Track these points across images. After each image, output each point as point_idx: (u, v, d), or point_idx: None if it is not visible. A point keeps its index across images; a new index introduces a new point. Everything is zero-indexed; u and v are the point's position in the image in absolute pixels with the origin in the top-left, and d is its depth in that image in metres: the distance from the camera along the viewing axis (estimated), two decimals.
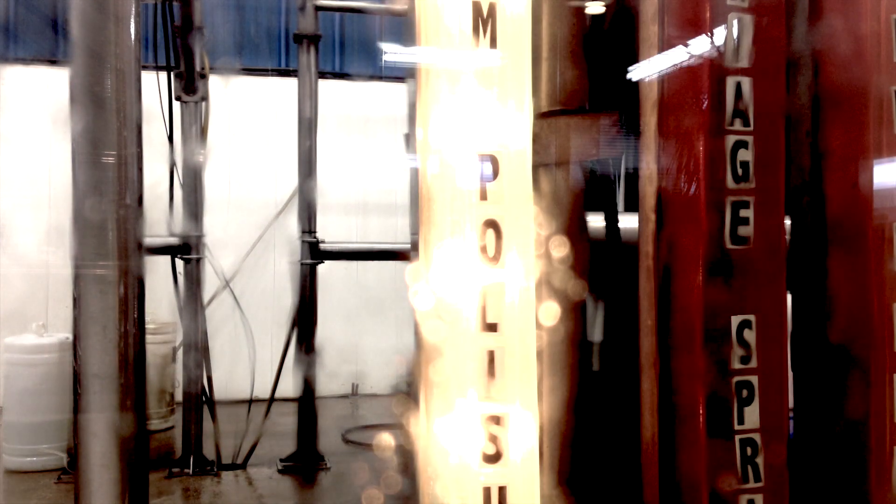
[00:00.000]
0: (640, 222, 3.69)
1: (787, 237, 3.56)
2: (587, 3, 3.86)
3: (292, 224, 8.44)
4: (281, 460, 7.61)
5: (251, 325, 8.62)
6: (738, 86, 3.34)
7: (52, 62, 9.87)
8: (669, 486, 3.44)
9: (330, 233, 8.26)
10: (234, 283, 9.28)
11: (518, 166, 3.16)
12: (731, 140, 3.33)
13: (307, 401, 7.78)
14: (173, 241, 7.44)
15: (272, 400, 7.69)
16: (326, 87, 9.48)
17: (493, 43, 3.14)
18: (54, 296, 9.69)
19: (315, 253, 7.81)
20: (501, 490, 3.09)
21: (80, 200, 3.35)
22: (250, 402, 7.99)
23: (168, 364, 9.03)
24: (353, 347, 10.53)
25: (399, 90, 10.03)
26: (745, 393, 3.31)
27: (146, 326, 3.64)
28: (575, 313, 3.72)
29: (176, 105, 7.51)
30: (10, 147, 9.70)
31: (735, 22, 3.34)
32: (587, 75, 3.76)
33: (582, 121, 3.68)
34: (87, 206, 3.32)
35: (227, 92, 9.25)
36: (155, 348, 8.36)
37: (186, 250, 7.40)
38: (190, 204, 7.44)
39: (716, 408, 3.31)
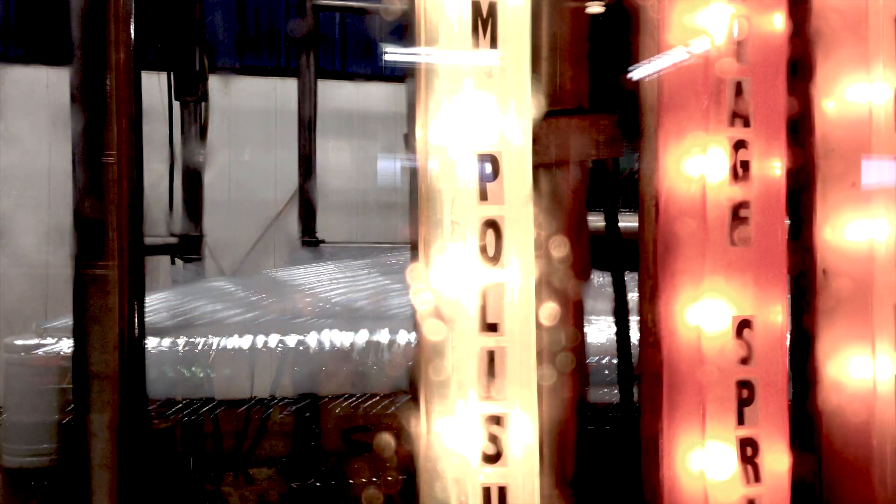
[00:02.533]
0: (640, 223, 3.69)
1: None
2: (587, 3, 3.86)
3: (293, 224, 8.43)
4: (280, 460, 7.62)
5: None
6: (738, 86, 3.33)
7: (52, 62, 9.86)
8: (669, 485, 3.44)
9: (330, 232, 8.26)
10: None
11: (518, 166, 3.16)
12: (731, 139, 3.32)
13: (307, 400, 7.78)
14: (173, 240, 7.43)
15: (272, 400, 7.69)
16: (326, 86, 9.46)
17: (494, 42, 3.14)
18: (54, 296, 9.69)
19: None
20: (501, 490, 3.10)
21: (80, 200, 3.35)
22: (250, 402, 7.99)
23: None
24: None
25: (399, 90, 10.03)
26: (745, 393, 3.31)
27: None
28: (576, 313, 3.72)
29: (176, 105, 7.50)
30: (10, 147, 9.70)
31: (735, 22, 3.34)
32: (587, 75, 3.76)
33: (582, 121, 3.67)
34: (87, 206, 3.32)
35: (227, 92, 9.25)
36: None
37: (186, 250, 7.40)
38: (190, 204, 7.44)
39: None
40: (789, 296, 3.60)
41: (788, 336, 3.55)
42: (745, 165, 3.33)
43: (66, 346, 7.05)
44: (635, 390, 4.01)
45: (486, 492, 3.08)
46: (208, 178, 7.67)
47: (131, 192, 3.40)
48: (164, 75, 7.42)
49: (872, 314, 3.44)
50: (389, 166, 10.50)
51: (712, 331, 3.32)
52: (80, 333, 3.36)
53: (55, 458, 7.15)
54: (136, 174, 3.45)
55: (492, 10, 3.13)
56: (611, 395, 4.48)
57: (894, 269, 3.44)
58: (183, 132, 7.43)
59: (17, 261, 9.49)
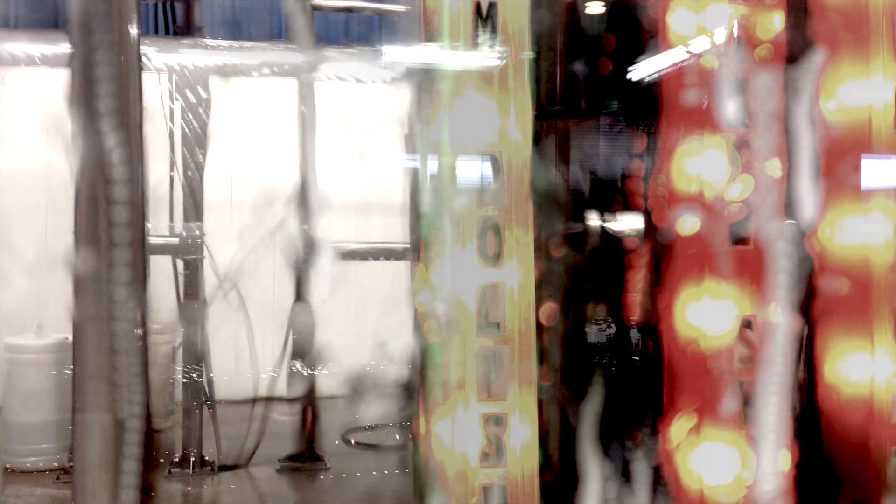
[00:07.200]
0: (640, 222, 3.69)
1: None
2: (587, 3, 3.87)
3: (292, 224, 8.42)
4: (280, 460, 7.60)
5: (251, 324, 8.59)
6: (738, 86, 3.33)
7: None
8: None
9: (330, 232, 8.25)
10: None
11: (518, 166, 3.17)
12: (731, 139, 3.33)
13: (307, 400, 7.78)
14: (173, 241, 7.43)
15: (271, 399, 7.69)
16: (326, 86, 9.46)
17: (494, 43, 3.15)
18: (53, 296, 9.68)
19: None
20: (501, 490, 3.10)
21: (80, 201, 3.34)
22: (253, 401, 7.98)
23: (168, 364, 9.02)
24: (354, 347, 10.52)
25: (399, 90, 10.02)
26: (746, 392, 3.31)
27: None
28: (575, 313, 3.72)
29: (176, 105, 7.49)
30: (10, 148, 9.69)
31: (735, 22, 3.34)
32: (587, 76, 3.77)
33: (581, 121, 3.68)
34: (87, 205, 3.32)
35: (227, 91, 9.23)
36: (155, 348, 8.35)
37: (186, 250, 7.39)
38: (190, 204, 7.43)
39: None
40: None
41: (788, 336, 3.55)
42: (745, 165, 3.34)
43: None
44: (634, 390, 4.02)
45: (487, 491, 3.09)
46: (209, 178, 7.67)
47: (131, 191, 3.40)
48: (164, 75, 7.42)
49: (871, 314, 3.45)
50: (390, 166, 10.50)
51: (712, 330, 3.33)
52: (79, 334, 3.35)
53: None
54: (137, 174, 3.45)
55: (492, 10, 3.13)
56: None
57: (893, 269, 3.45)
58: (183, 132, 7.43)
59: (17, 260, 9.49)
